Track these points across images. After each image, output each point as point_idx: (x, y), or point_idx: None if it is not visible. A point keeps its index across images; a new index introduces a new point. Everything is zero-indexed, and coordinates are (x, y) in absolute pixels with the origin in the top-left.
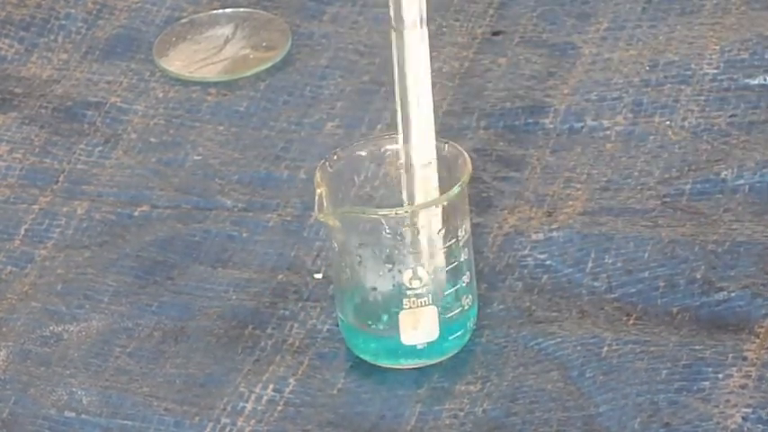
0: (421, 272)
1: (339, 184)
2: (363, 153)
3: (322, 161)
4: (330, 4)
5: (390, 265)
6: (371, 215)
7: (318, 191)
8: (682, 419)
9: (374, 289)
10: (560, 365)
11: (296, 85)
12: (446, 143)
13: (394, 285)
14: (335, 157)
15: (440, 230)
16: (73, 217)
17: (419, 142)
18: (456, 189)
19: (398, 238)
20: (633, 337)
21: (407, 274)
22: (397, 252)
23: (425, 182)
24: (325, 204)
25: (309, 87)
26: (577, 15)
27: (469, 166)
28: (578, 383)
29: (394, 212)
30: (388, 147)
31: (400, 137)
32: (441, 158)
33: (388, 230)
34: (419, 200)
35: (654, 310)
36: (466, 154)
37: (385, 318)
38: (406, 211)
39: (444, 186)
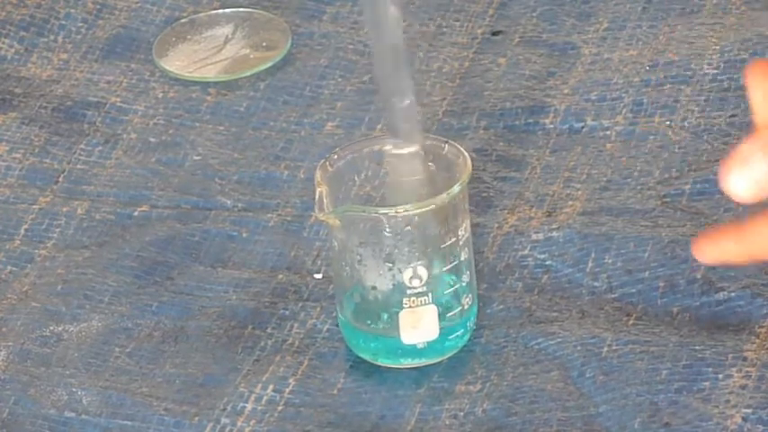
0: (421, 271)
1: (339, 183)
2: (364, 152)
3: (322, 160)
4: (330, 4)
5: (390, 264)
6: (372, 214)
7: (319, 190)
8: (682, 419)
9: (374, 288)
10: (560, 366)
11: (296, 85)
12: (446, 143)
13: (394, 285)
14: (336, 157)
15: (440, 229)
16: (73, 217)
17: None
18: (456, 188)
19: (399, 237)
20: (633, 337)
21: (407, 273)
22: (397, 251)
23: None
24: (325, 203)
25: (309, 87)
26: (577, 15)
27: (469, 165)
28: (578, 383)
29: (394, 211)
30: (389, 146)
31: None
32: (441, 158)
33: (388, 229)
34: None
35: (654, 310)
36: (466, 154)
37: (385, 317)
38: (407, 210)
39: (444, 186)
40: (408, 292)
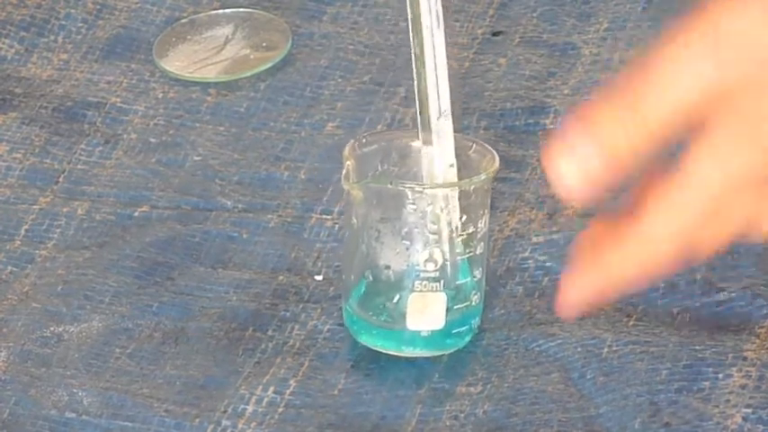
0: (437, 255)
1: (364, 168)
2: (392, 143)
3: (352, 140)
4: (330, 4)
5: (408, 243)
6: (398, 187)
7: (347, 162)
8: (682, 419)
9: (387, 267)
10: (561, 367)
11: (296, 85)
12: (473, 143)
13: (408, 265)
14: (364, 141)
15: (462, 217)
16: (73, 217)
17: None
18: (483, 175)
19: (420, 215)
20: (633, 338)
21: (423, 255)
22: (417, 230)
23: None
24: (351, 175)
25: (310, 88)
26: (577, 15)
27: (497, 161)
28: (579, 385)
29: (420, 187)
30: (415, 143)
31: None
32: (468, 159)
33: (411, 205)
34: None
35: (654, 310)
36: (494, 152)
37: (394, 299)
38: (433, 188)
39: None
40: (421, 275)
